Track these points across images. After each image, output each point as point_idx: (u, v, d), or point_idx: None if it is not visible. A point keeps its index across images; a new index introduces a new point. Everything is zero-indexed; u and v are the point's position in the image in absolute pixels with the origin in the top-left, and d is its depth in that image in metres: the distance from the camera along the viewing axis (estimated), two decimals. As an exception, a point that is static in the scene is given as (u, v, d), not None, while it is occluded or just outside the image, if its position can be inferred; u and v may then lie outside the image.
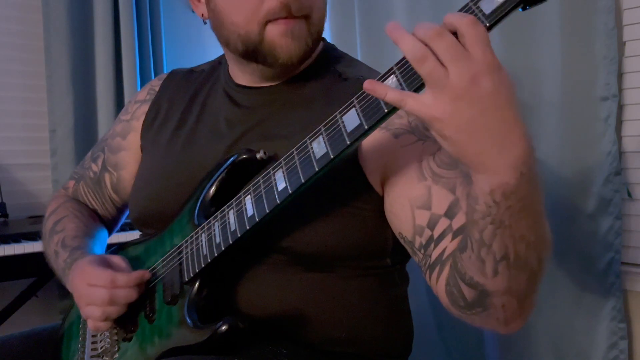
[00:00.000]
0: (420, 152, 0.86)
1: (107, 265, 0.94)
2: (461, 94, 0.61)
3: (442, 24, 0.64)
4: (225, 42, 0.98)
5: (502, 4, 0.63)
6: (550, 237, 0.72)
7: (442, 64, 0.62)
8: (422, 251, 0.84)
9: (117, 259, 0.96)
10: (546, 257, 0.72)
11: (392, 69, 0.69)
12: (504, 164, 0.63)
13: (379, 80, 0.69)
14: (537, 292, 0.75)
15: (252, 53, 0.93)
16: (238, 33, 0.92)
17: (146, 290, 0.96)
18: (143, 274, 0.94)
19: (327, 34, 2.04)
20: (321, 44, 1.04)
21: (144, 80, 2.35)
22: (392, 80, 0.68)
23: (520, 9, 0.64)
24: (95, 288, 0.90)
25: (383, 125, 0.88)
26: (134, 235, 1.14)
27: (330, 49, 1.05)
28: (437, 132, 0.65)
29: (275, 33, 0.90)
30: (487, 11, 0.63)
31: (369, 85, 0.67)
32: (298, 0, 0.89)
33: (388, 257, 0.96)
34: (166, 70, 2.34)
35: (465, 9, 0.64)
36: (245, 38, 0.92)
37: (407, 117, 0.89)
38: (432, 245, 0.82)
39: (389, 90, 0.65)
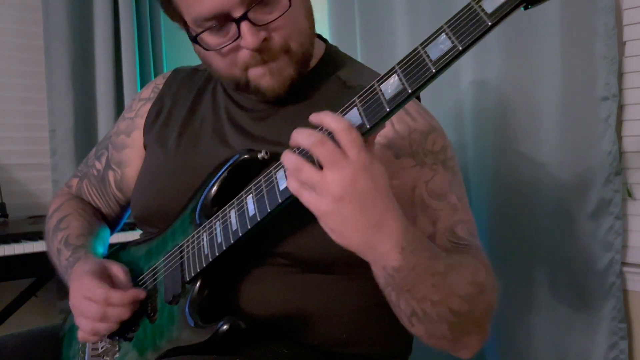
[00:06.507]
0: (416, 177, 0.89)
1: (106, 276, 0.94)
2: (341, 194, 0.69)
3: (322, 124, 0.72)
4: (216, 77, 1.02)
5: (505, 3, 0.63)
6: (469, 289, 0.77)
7: (320, 167, 0.70)
8: None
9: (116, 269, 0.96)
10: (465, 309, 0.76)
11: (394, 68, 0.69)
12: (386, 245, 0.72)
13: (380, 79, 0.71)
14: (477, 332, 0.81)
15: (243, 89, 0.96)
16: (224, 75, 0.96)
17: (147, 290, 0.96)
18: (138, 293, 0.93)
19: (327, 35, 2.05)
20: (323, 46, 1.04)
21: (144, 80, 2.34)
22: (394, 79, 0.69)
23: (522, 8, 0.64)
24: (89, 302, 0.91)
25: (385, 142, 0.89)
26: (135, 235, 1.13)
27: (332, 53, 1.05)
28: (324, 224, 0.73)
29: (256, 75, 0.92)
30: (489, 10, 0.63)
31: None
32: (268, 48, 0.89)
33: None
34: (166, 70, 2.33)
35: (468, 8, 0.65)
36: (232, 79, 0.95)
37: (408, 140, 0.91)
38: None
39: (292, 180, 0.73)
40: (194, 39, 0.90)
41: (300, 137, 0.72)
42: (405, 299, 0.75)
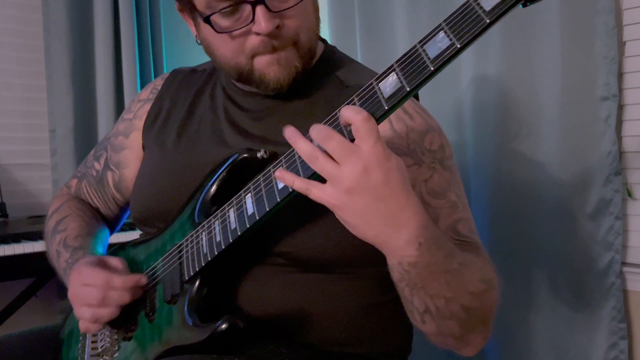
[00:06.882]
0: (414, 176, 0.89)
1: (104, 266, 0.94)
2: (354, 186, 0.69)
3: (340, 116, 0.71)
4: (218, 67, 1.00)
5: (502, 0, 0.63)
6: (479, 286, 0.78)
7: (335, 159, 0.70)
8: None
9: (114, 261, 0.96)
10: (475, 305, 0.77)
11: (392, 66, 0.69)
12: (402, 240, 0.72)
13: (379, 77, 0.71)
14: (482, 330, 0.81)
15: (245, 79, 0.95)
16: (228, 64, 0.94)
17: (146, 290, 0.96)
18: (139, 278, 0.93)
19: (327, 35, 2.05)
20: (322, 46, 1.04)
21: (144, 80, 2.35)
22: (392, 77, 0.69)
23: (520, 6, 0.64)
24: (89, 288, 0.90)
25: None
26: (134, 235, 1.13)
27: (330, 52, 1.05)
28: (338, 216, 0.73)
29: (262, 64, 0.91)
30: (487, 8, 0.63)
31: (279, 173, 0.75)
32: (279, 36, 0.89)
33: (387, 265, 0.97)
34: (166, 70, 2.33)
35: (466, 6, 0.64)
36: (235, 68, 0.94)
37: (406, 139, 0.91)
38: None
39: (295, 179, 0.74)
40: (206, 19, 0.89)
41: (313, 131, 0.72)
42: (419, 296, 0.75)
